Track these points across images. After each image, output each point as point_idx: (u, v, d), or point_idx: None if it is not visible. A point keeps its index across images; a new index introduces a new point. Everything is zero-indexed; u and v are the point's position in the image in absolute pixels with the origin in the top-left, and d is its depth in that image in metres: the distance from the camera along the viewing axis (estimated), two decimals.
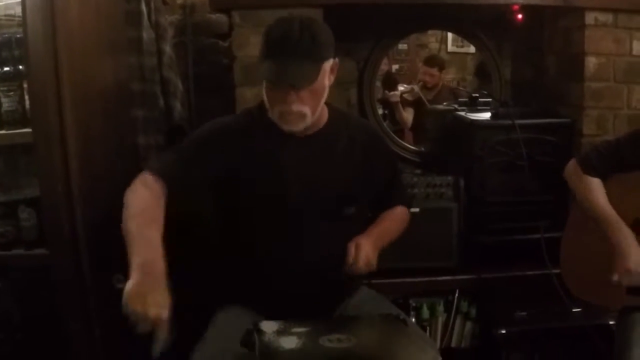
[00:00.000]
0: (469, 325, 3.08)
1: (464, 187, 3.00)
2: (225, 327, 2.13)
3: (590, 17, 3.08)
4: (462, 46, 4.99)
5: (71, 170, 2.23)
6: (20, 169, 2.45)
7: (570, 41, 3.22)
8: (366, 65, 3.49)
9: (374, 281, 2.52)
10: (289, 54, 1.95)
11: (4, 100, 2.27)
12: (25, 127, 2.27)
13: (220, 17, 3.27)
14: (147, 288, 1.69)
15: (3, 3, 2.38)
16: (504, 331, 2.82)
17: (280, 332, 1.79)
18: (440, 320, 3.07)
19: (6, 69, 2.28)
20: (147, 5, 2.95)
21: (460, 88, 4.75)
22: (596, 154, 2.51)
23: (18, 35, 2.24)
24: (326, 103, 2.20)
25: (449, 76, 5.06)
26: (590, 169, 2.48)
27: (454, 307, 3.07)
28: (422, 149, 3.70)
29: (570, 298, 2.69)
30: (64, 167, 2.22)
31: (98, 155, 2.46)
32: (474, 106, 3.27)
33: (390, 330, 1.87)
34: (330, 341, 1.74)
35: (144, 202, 1.98)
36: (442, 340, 3.08)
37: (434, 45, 5.25)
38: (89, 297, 2.31)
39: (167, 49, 3.01)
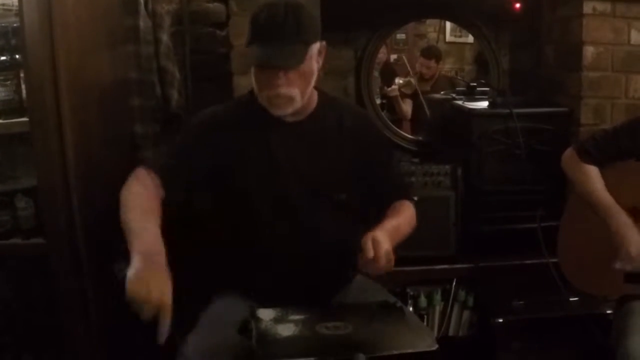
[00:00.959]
0: (466, 314, 3.09)
1: (462, 176, 3.01)
2: (220, 314, 2.14)
3: (588, 6, 3.07)
4: (460, 36, 5.00)
5: (68, 159, 2.23)
6: (17, 159, 2.46)
7: (568, 30, 3.21)
8: (364, 54, 3.47)
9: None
10: (275, 37, 1.96)
11: (0, 89, 2.27)
12: (22, 116, 2.28)
13: (218, 6, 3.27)
14: (149, 274, 1.70)
15: None
16: (501, 320, 2.83)
17: (277, 320, 1.80)
18: (438, 309, 3.08)
19: (3, 58, 2.28)
20: None
21: (458, 77, 4.75)
22: (593, 143, 2.52)
23: (15, 25, 2.24)
24: (316, 88, 2.21)
25: (447, 66, 5.08)
26: (587, 158, 2.49)
27: (452, 296, 3.07)
28: (420, 138, 3.70)
29: (567, 287, 2.69)
30: (60, 156, 2.22)
31: (95, 144, 2.45)
32: (471, 95, 3.29)
33: (387, 318, 1.88)
34: (327, 328, 1.75)
35: (139, 196, 1.99)
36: (439, 329, 3.09)
37: (432, 35, 5.26)
38: (87, 286, 2.31)
39: (164, 37, 3.00)
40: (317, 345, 1.68)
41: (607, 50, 3.14)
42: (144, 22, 2.91)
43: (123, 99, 2.80)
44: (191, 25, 3.23)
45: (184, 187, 2.15)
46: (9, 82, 2.28)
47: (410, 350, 1.67)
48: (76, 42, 2.31)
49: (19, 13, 2.14)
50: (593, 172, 2.48)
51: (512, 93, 3.39)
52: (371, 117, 2.54)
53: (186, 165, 2.12)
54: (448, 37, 5.20)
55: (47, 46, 2.16)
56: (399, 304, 1.99)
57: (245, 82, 2.83)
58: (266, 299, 2.02)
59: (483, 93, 3.30)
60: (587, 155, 2.49)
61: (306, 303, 1.94)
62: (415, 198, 2.71)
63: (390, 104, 4.58)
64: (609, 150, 2.47)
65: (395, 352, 1.66)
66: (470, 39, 4.05)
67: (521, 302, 2.89)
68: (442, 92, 3.72)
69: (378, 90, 4.56)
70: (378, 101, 4.38)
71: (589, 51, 3.12)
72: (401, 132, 3.67)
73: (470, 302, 3.08)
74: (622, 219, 2.38)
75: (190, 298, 2.09)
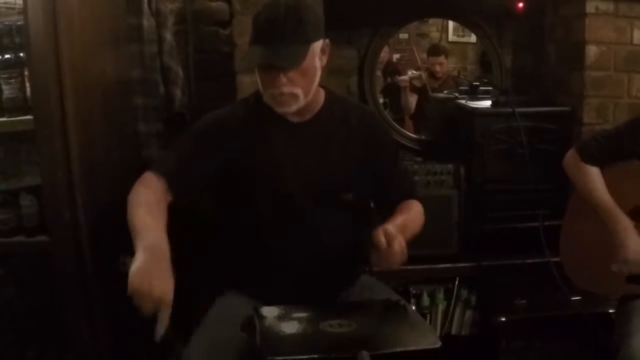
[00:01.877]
0: (468, 312, 3.10)
1: (465, 175, 3.01)
2: (225, 312, 2.14)
3: (591, 6, 3.08)
4: (462, 35, 5.01)
5: (72, 157, 2.22)
6: (21, 157, 2.45)
7: (571, 30, 3.22)
8: (367, 53, 3.49)
9: (375, 269, 2.53)
10: (275, 38, 1.96)
11: (5, 87, 2.27)
12: (26, 114, 2.27)
13: (221, 5, 3.28)
14: (152, 270, 1.70)
15: None
16: (503, 319, 2.85)
17: (281, 317, 1.80)
18: (441, 307, 3.09)
19: (7, 56, 2.27)
20: None
21: (462, 77, 4.75)
22: (595, 143, 2.52)
23: (19, 23, 2.24)
24: (324, 87, 2.22)
25: (450, 65, 5.08)
26: (589, 158, 2.49)
27: (454, 294, 3.08)
28: (423, 137, 3.70)
29: (569, 286, 2.70)
30: (64, 154, 2.21)
31: (99, 143, 2.46)
32: (474, 94, 3.29)
33: (390, 316, 1.88)
34: (331, 326, 1.75)
35: (145, 197, 1.99)
36: (442, 327, 3.09)
37: (434, 35, 5.27)
38: (90, 284, 2.30)
39: (168, 36, 3.01)
40: (321, 342, 1.68)
41: (609, 50, 3.14)
42: (147, 21, 2.92)
43: (127, 98, 2.81)
44: (195, 24, 3.24)
45: (191, 190, 2.15)
46: (13, 80, 2.27)
47: (413, 348, 1.67)
48: (80, 40, 2.31)
49: (24, 11, 2.14)
50: (594, 173, 2.48)
51: (514, 92, 3.42)
52: (377, 116, 2.53)
53: (192, 168, 2.12)
54: (451, 37, 5.21)
55: (52, 44, 2.15)
56: (402, 302, 2.00)
57: (248, 80, 2.84)
58: (270, 298, 2.02)
59: (486, 92, 3.30)
60: (589, 155, 2.50)
61: (311, 302, 1.94)
62: None
63: (393, 102, 4.59)
64: (610, 150, 2.47)
65: (398, 349, 1.66)
66: (473, 38, 4.06)
67: (523, 301, 2.91)
68: (445, 91, 3.73)
69: (382, 86, 4.60)
70: (381, 100, 4.41)
71: (591, 50, 3.12)
72: (404, 130, 3.69)
73: (473, 301, 3.09)
74: (621, 222, 2.39)
75: (194, 298, 2.11)
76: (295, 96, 2.05)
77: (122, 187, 2.44)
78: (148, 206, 1.95)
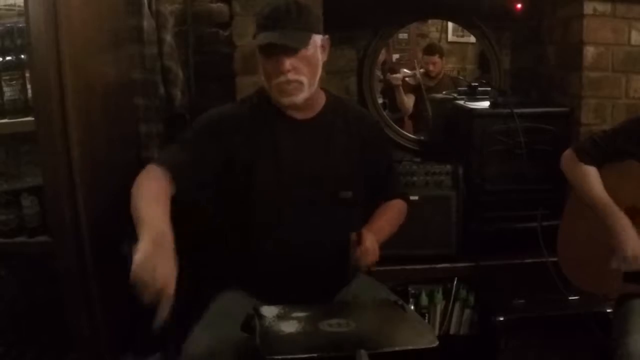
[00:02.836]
0: (467, 312, 3.11)
1: (463, 175, 3.02)
2: (224, 311, 2.15)
3: (589, 7, 3.09)
4: (462, 36, 5.02)
5: (73, 158, 2.24)
6: (23, 158, 2.46)
7: (569, 31, 3.23)
8: (366, 54, 3.50)
9: (373, 268, 2.55)
10: (280, 24, 2.05)
11: (6, 89, 2.27)
12: (27, 115, 2.27)
13: (221, 6, 3.28)
14: (156, 258, 1.70)
15: None
16: (502, 318, 2.85)
17: (280, 317, 1.80)
18: (439, 307, 3.09)
19: (8, 58, 2.27)
20: None
21: (460, 77, 4.77)
22: (592, 143, 2.53)
23: (20, 25, 2.25)
24: (323, 89, 2.28)
25: (449, 66, 5.09)
26: (586, 158, 2.50)
27: (453, 294, 3.09)
28: (422, 137, 3.71)
29: (567, 286, 2.72)
30: (66, 155, 2.22)
31: (100, 144, 2.47)
32: (473, 95, 3.30)
33: (388, 315, 1.89)
34: (330, 325, 1.75)
35: (148, 186, 2.00)
36: (440, 327, 3.10)
37: (434, 35, 5.28)
38: (91, 284, 2.31)
39: (168, 37, 3.01)
40: (319, 341, 1.68)
41: (607, 51, 3.16)
42: (147, 23, 2.93)
43: (127, 99, 2.81)
44: (195, 26, 3.25)
45: (194, 183, 2.16)
46: (14, 81, 2.27)
47: (411, 347, 1.68)
48: (81, 42, 2.32)
49: (25, 13, 2.15)
50: (592, 173, 2.49)
51: (513, 93, 3.42)
52: (374, 118, 2.57)
53: (196, 162, 2.14)
54: (450, 37, 5.22)
55: (53, 46, 2.16)
56: (400, 301, 2.01)
57: (248, 82, 2.86)
58: (270, 296, 2.04)
59: (484, 93, 3.31)
60: (586, 155, 2.51)
61: (310, 300, 1.97)
62: (416, 197, 2.76)
63: (392, 101, 4.60)
64: (607, 151, 2.49)
65: (396, 348, 1.67)
66: (472, 38, 4.07)
67: (522, 301, 2.91)
68: (444, 92, 3.74)
69: (381, 88, 4.60)
70: (380, 100, 4.42)
71: (589, 51, 3.14)
72: (403, 131, 3.69)
73: (471, 300, 3.10)
74: (619, 220, 2.40)
75: (195, 292, 2.12)
76: (300, 84, 2.10)
77: (123, 187, 2.45)
78: (152, 196, 1.95)
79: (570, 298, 2.83)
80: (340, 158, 2.24)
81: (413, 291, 3.06)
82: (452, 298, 3.09)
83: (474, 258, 3.04)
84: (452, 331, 3.11)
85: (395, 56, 5.11)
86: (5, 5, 2.44)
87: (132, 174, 2.62)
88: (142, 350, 2.61)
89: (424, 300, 3.07)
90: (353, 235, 2.08)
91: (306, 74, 2.10)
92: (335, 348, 1.65)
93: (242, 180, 2.19)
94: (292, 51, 2.07)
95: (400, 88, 4.59)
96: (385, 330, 1.81)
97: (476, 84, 3.40)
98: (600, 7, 3.10)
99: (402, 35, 4.96)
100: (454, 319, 3.11)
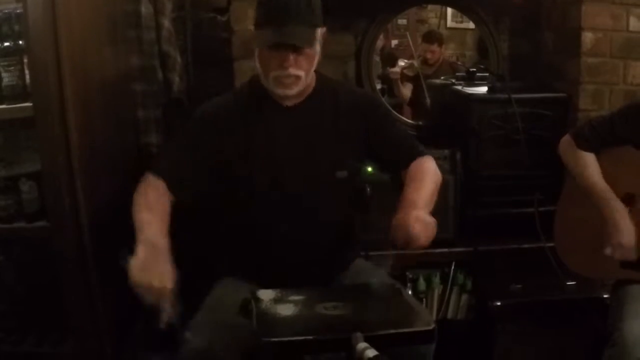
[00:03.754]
0: (464, 297, 3.11)
1: (461, 161, 3.02)
2: (222, 296, 2.18)
3: None
4: (461, 22, 4.98)
5: (71, 143, 2.25)
6: (21, 143, 2.47)
7: (568, 16, 3.23)
8: (364, 39, 3.48)
9: (370, 253, 2.56)
10: (289, 19, 2.01)
11: (4, 75, 2.28)
12: (25, 101, 2.28)
13: None
14: (151, 260, 1.78)
15: None
16: (499, 303, 2.86)
17: (277, 300, 1.82)
18: (437, 292, 3.10)
19: (6, 44, 2.28)
20: None
21: (459, 63, 4.75)
22: (590, 129, 2.53)
23: (18, 11, 2.25)
24: (315, 71, 2.25)
25: (449, 52, 5.06)
26: (583, 144, 2.50)
27: (450, 279, 3.10)
28: (420, 123, 3.71)
29: (564, 271, 2.73)
30: (64, 141, 2.24)
31: (98, 129, 2.48)
32: (471, 80, 3.29)
33: (385, 299, 1.91)
34: (327, 308, 1.77)
35: (147, 197, 2.07)
36: (438, 312, 3.11)
37: (433, 21, 5.24)
38: (90, 268, 2.33)
39: (166, 23, 3.01)
40: (316, 324, 1.71)
41: (605, 36, 3.15)
42: (145, 8, 2.92)
43: (125, 84, 2.82)
44: (192, 11, 3.24)
45: (191, 188, 2.19)
46: (12, 67, 2.28)
47: (407, 330, 1.70)
48: (79, 28, 2.33)
49: None
50: (589, 159, 2.50)
51: (511, 79, 3.41)
52: (369, 93, 2.55)
53: (189, 168, 2.18)
54: (449, 23, 5.18)
55: (50, 32, 2.17)
56: (398, 285, 2.03)
57: (246, 66, 2.86)
58: (266, 282, 2.04)
59: (482, 78, 3.29)
60: (584, 141, 2.51)
61: (308, 284, 1.98)
62: None
63: (391, 88, 4.59)
64: (605, 136, 2.48)
65: (392, 331, 1.68)
66: (471, 24, 4.05)
67: (519, 286, 2.92)
68: (441, 77, 3.73)
69: (379, 73, 4.59)
70: (379, 86, 4.41)
71: (587, 37, 3.13)
72: (401, 117, 3.68)
73: (469, 285, 3.11)
74: (615, 208, 2.41)
75: (195, 283, 2.13)
76: (298, 78, 2.10)
77: (121, 172, 2.47)
78: (148, 204, 2.04)
79: (567, 283, 2.84)
80: (331, 138, 2.24)
81: (411, 276, 3.06)
82: (449, 283, 3.10)
83: (471, 243, 3.04)
84: (449, 316, 3.12)
85: (395, 42, 5.09)
86: None
87: (130, 158, 2.65)
88: (144, 337, 2.63)
89: (422, 285, 3.07)
90: (395, 220, 1.97)
91: (305, 69, 2.11)
92: (331, 331, 1.67)
93: (236, 170, 2.21)
94: (298, 48, 2.06)
95: (398, 81, 4.58)
96: (381, 313, 1.82)
97: (474, 69, 3.38)
98: None
99: (401, 21, 4.92)
100: (452, 304, 3.12)
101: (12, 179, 2.39)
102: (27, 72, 2.27)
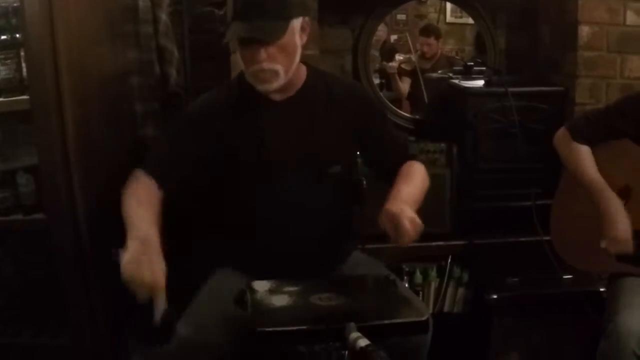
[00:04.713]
0: (461, 290, 3.12)
1: (457, 154, 3.03)
2: (216, 289, 2.19)
3: None
4: (460, 17, 4.98)
5: (68, 136, 2.25)
6: (19, 137, 2.47)
7: (564, 10, 3.23)
8: (361, 34, 3.49)
9: (368, 246, 2.57)
10: (255, 13, 2.01)
11: (1, 68, 2.29)
12: (22, 94, 2.29)
13: None
14: (141, 259, 1.77)
15: None
16: (495, 297, 2.86)
17: (272, 291, 1.85)
18: (433, 285, 3.11)
19: (3, 37, 2.29)
20: None
21: (457, 57, 4.76)
22: (585, 122, 2.54)
23: (15, 4, 2.26)
24: (306, 64, 2.26)
25: (448, 47, 5.06)
26: (579, 137, 2.50)
27: (447, 272, 3.11)
28: (417, 116, 3.72)
29: (561, 265, 2.74)
30: (61, 134, 2.24)
31: (95, 122, 2.47)
32: (468, 74, 3.30)
33: (380, 290, 1.92)
34: (321, 299, 1.79)
35: (136, 193, 2.07)
36: (434, 305, 3.12)
37: (432, 16, 5.24)
38: (87, 261, 2.33)
39: (163, 16, 3.01)
40: (309, 314, 1.72)
41: (602, 30, 3.16)
42: (142, 2, 2.92)
43: (122, 77, 2.82)
44: (190, 4, 3.24)
45: (180, 184, 2.20)
46: (9, 60, 2.29)
47: (400, 320, 1.71)
48: (75, 21, 2.33)
49: None
50: (584, 152, 2.49)
51: (508, 73, 3.42)
52: (363, 87, 2.53)
53: (178, 164, 2.19)
54: (449, 18, 5.18)
55: (47, 26, 2.17)
56: (392, 276, 2.04)
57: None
58: (265, 274, 2.05)
59: (479, 72, 3.31)
60: (579, 134, 2.51)
61: (305, 277, 1.98)
62: None
63: (389, 82, 4.60)
64: (600, 129, 2.49)
65: (385, 321, 1.70)
66: (471, 20, 4.06)
67: (515, 279, 2.92)
68: (439, 71, 3.74)
69: (377, 67, 4.60)
70: (377, 81, 4.42)
71: (584, 31, 3.14)
72: (399, 110, 3.70)
73: (465, 278, 3.12)
74: (611, 201, 2.41)
75: (191, 277, 2.15)
76: (275, 73, 2.08)
77: (118, 165, 2.47)
78: (138, 200, 2.03)
79: (564, 277, 2.84)
80: (323, 133, 2.23)
81: (407, 269, 3.07)
82: (446, 276, 3.11)
83: (468, 236, 3.05)
84: (446, 309, 3.13)
85: (394, 37, 5.10)
86: None
87: (127, 151, 2.65)
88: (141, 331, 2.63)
89: (418, 278, 3.08)
90: (382, 216, 1.97)
91: (282, 62, 2.08)
92: (325, 321, 1.68)
93: (228, 165, 2.22)
94: (267, 41, 2.04)
95: (396, 76, 4.59)
96: (375, 304, 1.84)
97: (471, 63, 3.39)
98: None
99: (400, 16, 4.94)
100: (448, 297, 3.13)
101: (9, 172, 2.40)
102: (24, 65, 2.28)
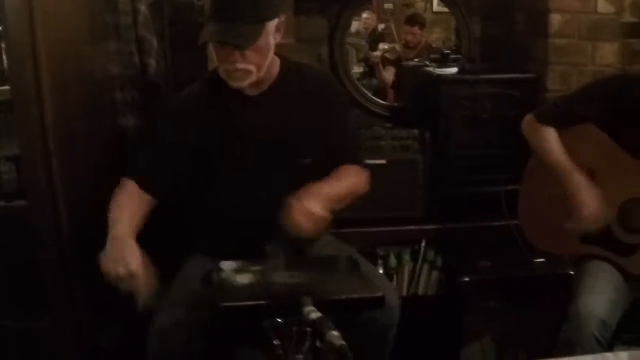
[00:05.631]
0: (435, 274, 3.16)
1: (430, 140, 3.07)
2: (189, 272, 2.27)
3: None
4: None
5: (48, 125, 2.30)
6: (0, 127, 2.54)
7: None
8: (338, 23, 3.50)
9: (342, 231, 2.62)
10: (231, 16, 2.05)
11: None
12: (4, 85, 2.37)
13: None
14: (116, 250, 1.94)
15: None
16: (468, 280, 2.94)
17: (237, 270, 1.92)
18: (407, 269, 3.14)
19: None
20: None
21: (441, 47, 4.80)
22: (552, 108, 2.59)
23: None
24: (279, 55, 2.30)
25: (435, 36, 5.10)
26: (544, 121, 2.53)
27: (421, 256, 3.14)
28: (396, 104, 3.77)
29: (531, 248, 2.77)
30: (41, 123, 2.29)
31: (75, 111, 2.52)
32: (444, 63, 3.32)
33: (341, 270, 2.00)
34: (282, 277, 1.87)
35: (120, 197, 2.18)
36: (408, 288, 3.16)
37: (420, 5, 5.28)
38: (67, 247, 2.39)
39: (143, 8, 3.02)
40: (270, 291, 1.81)
41: (574, 18, 3.19)
42: None
43: (102, 68, 2.85)
44: None
45: (164, 186, 2.28)
46: None
47: (355, 296, 1.78)
48: (55, 12, 2.37)
49: None
50: (551, 135, 2.51)
51: (484, 60, 3.46)
52: (332, 79, 2.54)
53: (160, 161, 2.27)
54: (435, 7, 5.21)
55: (27, 16, 2.21)
56: (355, 257, 2.10)
57: None
58: (235, 259, 2.10)
59: (455, 60, 3.33)
60: (545, 119, 2.53)
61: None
62: (384, 161, 2.79)
63: (374, 70, 4.65)
64: (566, 114, 2.51)
65: (343, 297, 1.77)
66: None
67: (488, 263, 2.99)
68: (415, 60, 3.78)
69: (362, 56, 4.66)
70: (361, 69, 4.48)
71: (555, 19, 3.17)
72: (375, 98, 3.70)
73: (439, 262, 3.15)
74: (577, 181, 2.43)
75: (169, 265, 2.23)
76: (248, 72, 2.14)
77: (98, 153, 2.53)
78: (118, 204, 2.15)
79: (535, 260, 2.89)
80: (296, 126, 2.29)
81: (382, 253, 3.10)
82: (420, 260, 3.14)
83: (441, 221, 3.09)
84: (420, 292, 3.16)
85: (381, 26, 5.14)
86: None
87: (108, 140, 2.69)
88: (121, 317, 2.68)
89: (393, 262, 3.12)
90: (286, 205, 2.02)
91: (255, 62, 2.13)
92: (283, 296, 1.76)
93: (204, 160, 2.28)
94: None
95: (380, 65, 4.64)
96: (334, 282, 1.91)
97: (449, 51, 3.43)
98: None
99: (388, 5, 4.99)
100: (422, 281, 3.16)
101: None
102: (4, 56, 2.33)
